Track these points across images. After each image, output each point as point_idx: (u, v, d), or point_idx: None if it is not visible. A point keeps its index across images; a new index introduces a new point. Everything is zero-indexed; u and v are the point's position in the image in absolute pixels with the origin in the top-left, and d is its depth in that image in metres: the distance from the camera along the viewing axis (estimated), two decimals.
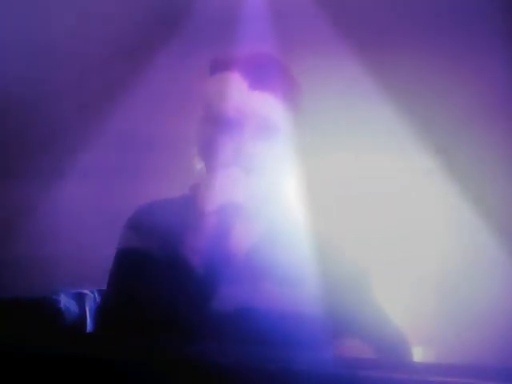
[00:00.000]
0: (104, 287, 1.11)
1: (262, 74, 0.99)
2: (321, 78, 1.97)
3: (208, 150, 1.00)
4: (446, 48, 1.97)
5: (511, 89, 1.94)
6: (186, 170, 1.09)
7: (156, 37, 2.01)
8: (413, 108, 1.95)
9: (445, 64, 1.96)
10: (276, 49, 1.07)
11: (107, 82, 2.04)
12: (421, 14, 1.93)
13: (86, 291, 1.12)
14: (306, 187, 1.18)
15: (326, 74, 1.97)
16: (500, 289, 1.85)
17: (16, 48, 1.79)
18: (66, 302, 1.04)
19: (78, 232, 2.01)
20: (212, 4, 1.95)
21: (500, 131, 1.95)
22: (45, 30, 1.84)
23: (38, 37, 1.83)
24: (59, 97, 2.04)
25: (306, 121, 1.06)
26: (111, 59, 2.04)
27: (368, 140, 2.01)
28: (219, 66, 1.02)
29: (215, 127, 0.99)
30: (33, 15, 1.78)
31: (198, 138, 1.03)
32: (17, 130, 2.06)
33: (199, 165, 1.03)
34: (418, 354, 1.94)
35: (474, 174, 1.96)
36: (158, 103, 2.01)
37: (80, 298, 1.09)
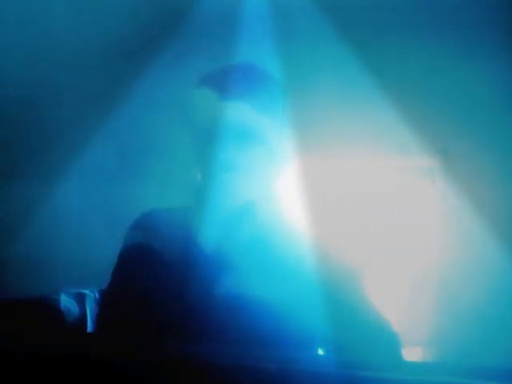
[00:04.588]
0: (105, 287, 1.12)
1: (248, 85, 1.04)
2: (320, 77, 1.98)
3: (202, 159, 1.06)
4: (447, 48, 1.97)
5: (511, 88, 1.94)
6: (187, 173, 1.11)
7: (156, 38, 2.02)
8: (413, 108, 1.95)
9: (445, 64, 1.96)
10: (272, 52, 1.10)
11: (107, 83, 2.04)
12: (421, 14, 1.93)
13: (86, 291, 1.12)
14: (303, 188, 1.20)
15: (325, 74, 1.97)
16: (500, 288, 1.85)
17: (16, 48, 1.79)
18: (66, 301, 1.04)
19: (78, 232, 2.01)
20: (212, 6, 1.95)
21: (500, 131, 1.95)
22: (44, 30, 1.84)
23: (37, 37, 1.83)
24: (59, 97, 2.04)
25: (294, 127, 1.10)
26: (111, 60, 2.04)
27: (367, 140, 2.01)
28: (205, 79, 1.07)
29: (205, 137, 1.04)
30: (33, 15, 1.78)
31: (192, 147, 1.08)
32: (17, 130, 2.06)
33: (198, 173, 1.08)
34: (418, 354, 1.95)
35: (474, 175, 1.96)
36: (158, 104, 2.01)
37: (80, 298, 1.09)
